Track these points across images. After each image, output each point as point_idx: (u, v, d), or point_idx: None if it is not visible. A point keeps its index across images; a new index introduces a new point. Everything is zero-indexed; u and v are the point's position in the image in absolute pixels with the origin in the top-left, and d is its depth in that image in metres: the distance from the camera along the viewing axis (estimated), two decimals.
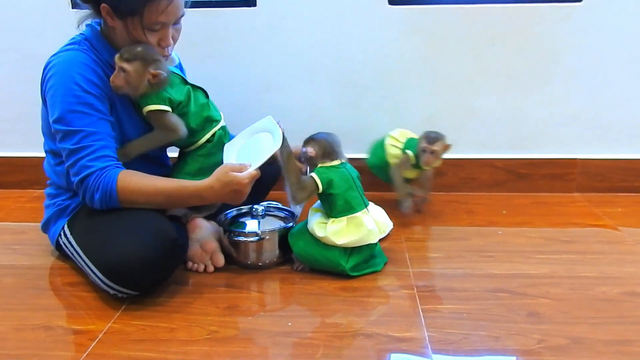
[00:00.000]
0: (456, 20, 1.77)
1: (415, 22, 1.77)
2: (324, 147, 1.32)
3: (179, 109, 1.32)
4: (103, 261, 1.16)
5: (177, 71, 1.38)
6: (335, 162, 1.32)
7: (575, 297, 1.18)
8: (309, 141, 1.35)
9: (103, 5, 1.23)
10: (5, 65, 1.88)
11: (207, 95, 1.42)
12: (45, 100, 1.27)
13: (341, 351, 1.01)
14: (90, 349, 1.02)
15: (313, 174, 1.30)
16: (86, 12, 1.31)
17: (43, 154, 1.42)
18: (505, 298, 1.18)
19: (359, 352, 1.00)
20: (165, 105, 1.28)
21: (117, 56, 1.24)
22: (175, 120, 1.31)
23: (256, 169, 1.22)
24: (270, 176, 1.67)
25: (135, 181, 1.21)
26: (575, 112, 1.84)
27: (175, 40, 1.32)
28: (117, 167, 1.22)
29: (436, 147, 1.57)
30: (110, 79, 1.25)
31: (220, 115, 1.43)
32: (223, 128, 1.42)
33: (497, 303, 1.16)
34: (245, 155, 1.30)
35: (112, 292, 1.16)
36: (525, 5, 1.75)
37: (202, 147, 1.38)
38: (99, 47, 1.29)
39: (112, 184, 1.19)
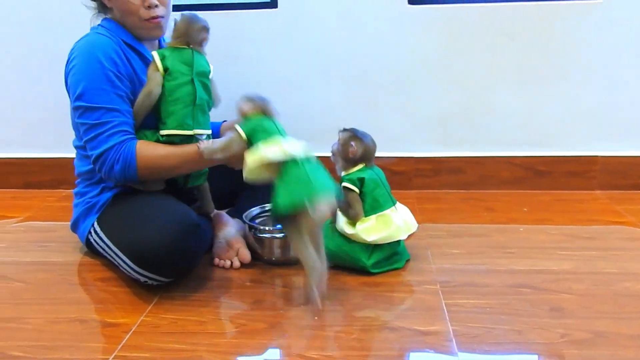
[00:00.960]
0: (475, 18, 1.78)
1: (434, 21, 1.79)
2: (366, 151, 1.33)
3: (166, 78, 1.29)
4: (132, 249, 1.20)
5: (202, 65, 1.35)
6: (361, 166, 1.34)
7: (597, 293, 1.19)
8: (353, 138, 1.32)
9: None
10: (35, 68, 1.94)
11: (208, 107, 1.37)
12: (67, 82, 1.32)
13: (367, 344, 1.03)
14: (124, 341, 1.06)
15: (345, 184, 1.31)
16: (96, 12, 1.42)
17: (69, 155, 1.47)
18: (527, 293, 1.20)
19: (385, 345, 1.03)
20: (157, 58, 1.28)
21: None
22: (154, 76, 1.28)
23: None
24: None
25: (152, 148, 1.27)
26: (595, 108, 1.84)
27: (164, 4, 1.35)
28: (134, 139, 1.28)
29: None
30: None
31: (208, 132, 1.35)
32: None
33: (520, 298, 1.18)
34: None
35: (142, 279, 1.20)
36: (544, 3, 1.76)
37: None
38: (115, 30, 1.36)
39: (132, 153, 1.25)
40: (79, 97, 1.27)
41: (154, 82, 1.28)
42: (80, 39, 1.34)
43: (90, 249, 1.43)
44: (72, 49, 1.33)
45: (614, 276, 1.27)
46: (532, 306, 1.14)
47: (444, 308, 1.15)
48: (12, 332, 1.10)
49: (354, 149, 1.32)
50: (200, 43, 1.35)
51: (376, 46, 1.83)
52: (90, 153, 1.28)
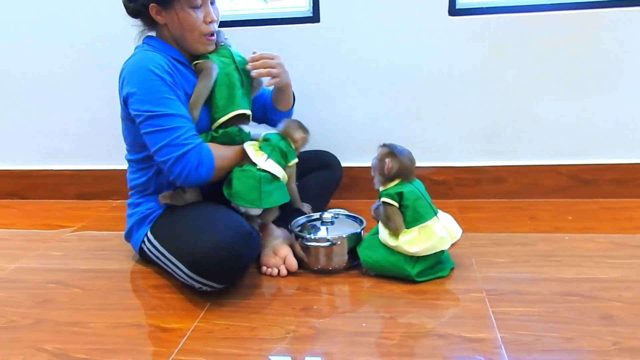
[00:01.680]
0: (517, 28, 1.79)
1: (476, 31, 1.80)
2: (402, 168, 1.35)
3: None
4: (187, 256, 1.25)
5: (239, 56, 1.48)
6: (398, 181, 1.35)
7: None
8: (390, 154, 1.35)
9: (151, 5, 1.37)
10: (92, 84, 2.02)
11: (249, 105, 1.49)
12: (125, 101, 1.37)
13: (415, 350, 1.05)
14: (180, 345, 1.10)
15: (383, 199, 1.34)
16: (142, 29, 1.48)
17: (120, 167, 1.54)
18: (576, 301, 1.19)
19: (433, 352, 1.04)
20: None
21: None
22: (208, 64, 1.41)
23: None
24: (331, 184, 1.74)
25: (215, 148, 1.37)
26: None
27: (216, 21, 1.43)
28: (202, 141, 1.35)
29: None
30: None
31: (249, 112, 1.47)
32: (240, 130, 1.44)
33: (568, 306, 1.17)
34: None
35: (197, 285, 1.25)
36: (587, 11, 1.75)
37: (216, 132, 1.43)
38: (161, 47, 1.42)
39: (210, 155, 1.33)
40: (145, 109, 1.31)
41: (211, 69, 1.40)
42: (128, 59, 1.39)
43: (144, 257, 1.49)
44: (123, 70, 1.38)
45: None
46: (581, 314, 1.14)
47: (492, 316, 1.15)
48: (75, 336, 1.16)
49: (389, 165, 1.34)
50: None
51: (418, 58, 1.85)
52: (165, 158, 1.31)
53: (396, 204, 1.33)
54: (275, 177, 1.38)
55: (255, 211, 1.38)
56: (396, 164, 1.35)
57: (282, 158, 1.42)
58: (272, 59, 1.47)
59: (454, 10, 1.79)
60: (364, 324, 1.15)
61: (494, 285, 1.29)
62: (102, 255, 1.60)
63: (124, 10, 1.43)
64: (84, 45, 2.00)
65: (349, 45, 1.87)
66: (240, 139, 1.43)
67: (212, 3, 1.43)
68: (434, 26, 1.81)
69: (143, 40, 1.47)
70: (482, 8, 1.79)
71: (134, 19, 1.45)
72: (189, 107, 1.38)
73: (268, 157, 1.39)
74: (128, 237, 1.53)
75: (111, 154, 2.07)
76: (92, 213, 1.98)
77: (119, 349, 1.11)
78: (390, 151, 1.36)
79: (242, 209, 1.38)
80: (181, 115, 1.33)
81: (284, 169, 1.42)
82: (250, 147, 1.40)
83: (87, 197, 2.13)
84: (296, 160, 1.45)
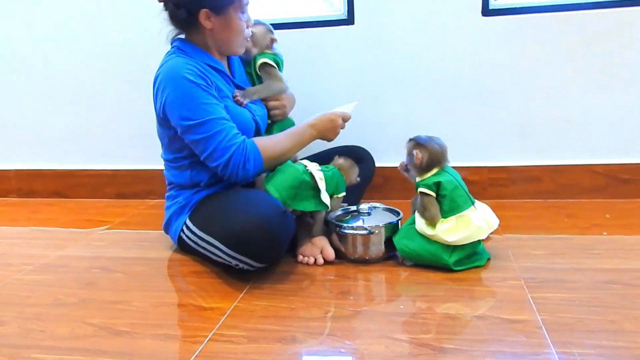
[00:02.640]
0: (549, 27, 1.80)
1: (509, 31, 1.82)
2: (433, 156, 1.36)
3: None
4: (227, 235, 1.27)
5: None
6: (435, 170, 1.37)
7: None
8: (416, 146, 1.37)
9: (202, 10, 1.42)
10: (130, 88, 2.10)
11: None
12: (164, 110, 1.42)
13: (455, 329, 1.05)
14: (221, 321, 1.13)
15: (421, 189, 1.35)
16: (170, 31, 1.52)
17: (158, 167, 1.64)
18: (618, 289, 1.18)
19: (473, 330, 1.04)
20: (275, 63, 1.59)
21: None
22: (281, 75, 1.60)
23: (347, 113, 1.53)
24: (364, 177, 1.76)
25: (266, 140, 1.45)
26: None
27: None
28: (247, 137, 1.40)
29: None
30: (248, 50, 1.58)
31: None
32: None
33: (610, 292, 1.16)
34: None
35: (234, 263, 1.28)
36: (619, 9, 1.75)
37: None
38: (191, 51, 1.47)
39: (255, 148, 1.38)
40: (185, 119, 1.36)
41: (281, 78, 1.61)
42: (162, 66, 1.44)
43: (182, 246, 1.52)
44: (157, 77, 1.43)
45: None
46: (624, 299, 1.13)
47: (531, 301, 1.15)
48: (119, 312, 1.20)
49: (419, 156, 1.36)
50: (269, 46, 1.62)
51: (453, 57, 1.87)
52: (215, 164, 1.37)
53: (433, 194, 1.34)
54: (315, 187, 1.41)
55: None
56: (425, 153, 1.36)
57: (334, 187, 1.46)
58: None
59: (487, 11, 1.82)
60: (401, 306, 1.16)
61: (532, 274, 1.28)
62: (142, 246, 1.64)
63: (165, 15, 1.48)
64: (122, 51, 2.09)
65: (383, 46, 1.91)
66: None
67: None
68: (468, 26, 1.84)
69: (172, 43, 1.51)
70: (515, 8, 1.81)
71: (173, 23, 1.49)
72: (248, 93, 1.52)
73: (323, 177, 1.43)
74: (167, 227, 1.57)
75: (149, 155, 2.13)
76: (130, 210, 2.04)
77: (162, 324, 1.13)
78: (417, 142, 1.38)
79: None
80: (220, 118, 1.37)
81: (331, 199, 1.45)
82: (311, 164, 1.45)
83: (126, 197, 2.19)
84: (344, 194, 1.50)
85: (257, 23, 1.60)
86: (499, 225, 1.42)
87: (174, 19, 1.46)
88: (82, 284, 1.36)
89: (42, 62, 2.16)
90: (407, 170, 1.43)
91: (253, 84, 1.63)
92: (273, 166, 1.43)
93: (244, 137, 1.39)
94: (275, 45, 1.62)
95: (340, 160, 1.52)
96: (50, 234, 1.81)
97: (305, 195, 1.41)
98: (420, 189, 1.35)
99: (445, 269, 1.32)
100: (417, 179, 1.39)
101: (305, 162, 1.46)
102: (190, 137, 1.37)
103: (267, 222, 1.24)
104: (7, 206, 2.18)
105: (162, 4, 1.46)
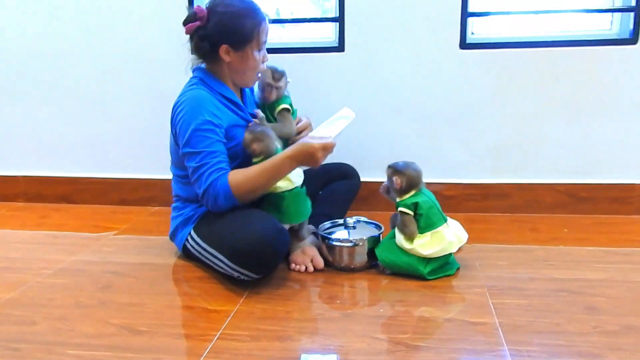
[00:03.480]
0: (521, 61, 2.01)
1: (485, 63, 2.03)
2: (411, 179, 1.55)
3: None
4: (229, 249, 1.45)
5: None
6: (413, 192, 1.55)
7: (629, 296, 1.37)
8: (395, 172, 1.56)
9: (223, 46, 1.60)
10: (136, 100, 2.27)
11: None
12: (177, 133, 1.59)
13: (427, 329, 1.25)
14: (227, 321, 1.31)
15: (400, 208, 1.54)
16: (192, 58, 1.69)
17: (158, 176, 1.90)
18: (565, 296, 1.39)
19: (442, 331, 1.24)
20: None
21: (269, 79, 1.70)
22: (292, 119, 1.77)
23: (331, 141, 1.50)
24: (351, 192, 1.95)
25: (241, 173, 1.51)
26: (635, 140, 2.01)
27: (267, 60, 1.70)
28: (227, 172, 1.52)
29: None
30: (265, 95, 1.73)
31: None
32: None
33: (558, 299, 1.37)
34: (323, 132, 1.59)
35: (236, 274, 1.46)
36: (584, 48, 1.97)
37: None
38: (212, 83, 1.64)
39: (226, 185, 1.48)
40: (185, 144, 1.54)
41: (293, 124, 1.76)
42: (185, 92, 1.61)
43: (187, 254, 1.69)
44: (178, 104, 1.59)
45: None
46: (569, 305, 1.33)
47: (491, 306, 1.35)
48: (135, 313, 1.37)
49: (398, 182, 1.55)
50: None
51: (433, 85, 2.07)
52: (197, 192, 1.54)
53: (412, 213, 1.53)
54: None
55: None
56: (404, 178, 1.55)
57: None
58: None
59: (464, 44, 2.02)
60: (381, 310, 1.35)
61: (494, 282, 1.48)
62: (148, 252, 1.80)
63: (184, 41, 1.65)
64: (131, 64, 2.25)
65: (371, 72, 2.10)
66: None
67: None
68: (447, 58, 2.04)
69: (195, 72, 1.68)
70: (490, 43, 2.02)
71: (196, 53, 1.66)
72: (263, 123, 1.68)
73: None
74: (173, 236, 1.74)
75: (151, 164, 2.30)
76: (134, 217, 2.20)
77: (175, 324, 1.31)
78: (395, 169, 1.57)
79: None
80: (212, 152, 1.51)
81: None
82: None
83: (129, 203, 2.36)
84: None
85: (274, 69, 1.72)
86: (467, 239, 1.62)
87: (198, 50, 1.63)
88: (99, 287, 1.53)
89: (54, 73, 2.31)
90: (387, 192, 1.62)
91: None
92: (250, 199, 1.53)
93: (221, 173, 1.49)
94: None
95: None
96: (62, 239, 1.97)
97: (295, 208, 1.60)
98: (400, 209, 1.54)
99: (420, 277, 1.51)
100: (397, 199, 1.58)
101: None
102: (186, 162, 1.55)
103: (266, 240, 1.42)
104: (17, 210, 2.33)
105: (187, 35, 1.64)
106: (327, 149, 1.50)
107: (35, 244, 1.92)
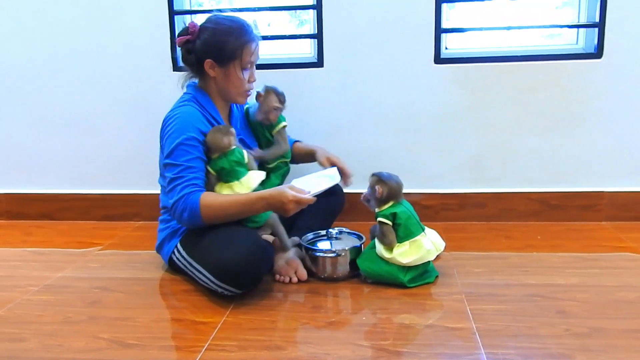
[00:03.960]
0: (494, 75, 2.09)
1: (459, 77, 2.11)
2: (392, 190, 1.60)
3: None
4: (214, 266, 1.49)
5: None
6: (391, 203, 1.61)
7: (598, 300, 1.44)
8: (378, 181, 1.62)
9: (207, 60, 1.66)
10: (120, 117, 2.30)
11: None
12: (162, 143, 1.64)
13: (407, 335, 1.30)
14: (214, 333, 1.35)
15: (379, 219, 1.59)
16: (185, 74, 1.76)
17: (143, 191, 2.00)
18: (538, 300, 1.46)
19: (422, 337, 1.29)
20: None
21: (276, 102, 1.80)
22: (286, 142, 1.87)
23: (308, 196, 1.51)
24: (335, 208, 2.00)
25: (214, 198, 1.55)
26: (603, 150, 2.11)
27: (255, 81, 1.75)
28: (201, 191, 1.56)
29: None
30: (271, 118, 1.81)
31: None
32: None
33: (532, 304, 1.44)
34: (305, 185, 1.60)
35: (220, 290, 1.49)
36: (553, 62, 2.06)
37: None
38: (203, 101, 1.70)
39: (196, 203, 1.52)
40: (167, 156, 1.59)
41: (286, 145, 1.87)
42: (176, 107, 1.66)
43: (172, 267, 1.73)
44: (169, 119, 1.64)
45: (613, 288, 1.52)
46: (542, 310, 1.40)
47: (469, 312, 1.41)
48: (126, 327, 1.40)
49: (380, 190, 1.61)
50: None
51: (410, 99, 2.14)
52: (169, 201, 1.59)
53: (390, 223, 1.59)
54: None
55: None
56: (385, 188, 1.61)
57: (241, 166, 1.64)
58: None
59: (439, 59, 2.10)
60: (364, 318, 1.41)
61: (472, 289, 1.54)
62: (135, 267, 1.83)
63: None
64: (114, 82, 2.28)
65: (350, 86, 2.16)
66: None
67: (254, 65, 1.74)
68: (423, 72, 2.12)
69: (188, 88, 1.74)
70: (463, 58, 2.10)
71: (187, 67, 1.73)
72: (258, 154, 1.79)
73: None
74: (159, 249, 1.77)
75: (134, 180, 2.33)
76: (118, 232, 2.22)
77: (165, 337, 1.35)
78: (379, 179, 1.63)
79: None
80: (190, 167, 1.57)
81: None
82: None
83: (113, 219, 2.38)
84: (245, 153, 1.67)
85: (278, 92, 1.81)
86: (445, 247, 1.68)
87: (185, 61, 1.71)
88: (87, 303, 1.56)
89: (35, 89, 2.32)
90: (368, 200, 1.68)
91: (257, 137, 1.89)
92: (213, 223, 1.55)
93: (195, 190, 1.53)
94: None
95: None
96: (47, 256, 1.99)
97: None
98: (380, 219, 1.60)
99: (401, 286, 1.57)
100: (377, 210, 1.64)
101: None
102: (165, 172, 1.60)
103: (250, 258, 1.47)
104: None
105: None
106: (301, 203, 1.51)
107: (19, 262, 1.93)
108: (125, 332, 1.37)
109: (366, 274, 1.62)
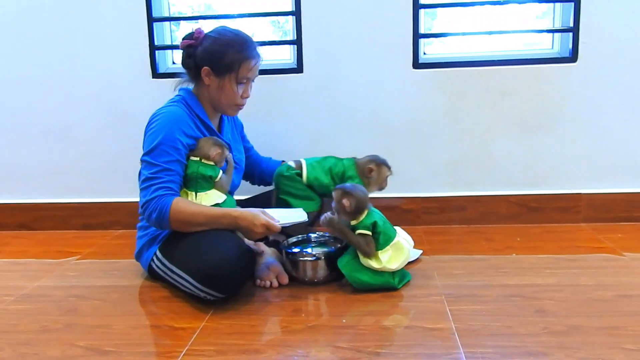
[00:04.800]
0: (472, 79, 2.12)
1: (437, 81, 2.13)
2: (360, 201, 1.58)
3: None
4: (197, 270, 1.48)
5: None
6: (366, 212, 1.59)
7: (575, 299, 1.46)
8: (344, 194, 1.58)
9: (205, 67, 1.66)
10: (99, 126, 2.28)
11: None
12: (144, 140, 1.63)
13: (387, 337, 1.30)
14: (193, 338, 1.33)
15: (359, 230, 1.57)
16: (180, 79, 1.76)
17: (122, 199, 1.97)
18: (517, 301, 1.46)
19: (401, 338, 1.29)
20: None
21: (388, 172, 1.83)
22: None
23: (276, 225, 1.52)
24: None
25: (185, 205, 1.54)
26: (580, 153, 2.14)
27: (249, 97, 1.74)
28: (174, 195, 1.55)
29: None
30: (384, 186, 1.84)
31: None
32: None
33: (511, 304, 1.44)
34: (274, 214, 1.57)
35: (202, 295, 1.48)
36: (529, 66, 2.09)
37: None
38: (193, 104, 1.70)
39: (167, 207, 1.51)
40: (147, 153, 1.58)
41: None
42: (165, 107, 1.66)
43: (152, 274, 1.71)
44: (155, 117, 1.64)
45: (590, 287, 1.53)
46: (520, 309, 1.41)
47: (448, 312, 1.41)
48: (103, 335, 1.38)
49: (348, 203, 1.58)
50: None
51: (389, 104, 2.16)
52: (140, 201, 1.58)
53: (370, 233, 1.57)
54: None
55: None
56: (353, 200, 1.58)
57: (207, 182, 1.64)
58: None
59: (417, 64, 2.12)
60: (344, 320, 1.40)
61: (451, 290, 1.55)
62: (113, 275, 1.81)
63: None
64: (92, 90, 2.26)
65: (329, 92, 2.17)
66: None
67: (252, 80, 1.73)
68: (401, 78, 2.13)
69: (180, 91, 1.74)
70: (441, 62, 2.12)
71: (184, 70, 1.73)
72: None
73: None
74: (138, 256, 1.76)
75: (114, 188, 2.31)
76: (98, 241, 2.20)
77: (142, 343, 1.33)
78: (344, 191, 1.59)
79: None
80: (167, 169, 1.56)
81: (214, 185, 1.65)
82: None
83: (92, 228, 2.35)
84: (220, 173, 1.65)
85: (382, 163, 1.83)
86: (420, 249, 1.68)
87: (184, 64, 1.72)
88: (63, 311, 1.53)
89: (11, 98, 2.30)
90: (330, 220, 1.62)
91: None
92: (180, 230, 1.55)
93: (168, 193, 1.53)
94: None
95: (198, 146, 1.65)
96: (24, 265, 1.96)
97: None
98: (359, 231, 1.57)
99: (389, 289, 1.57)
100: (352, 223, 1.60)
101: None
102: (141, 169, 1.60)
103: (233, 261, 1.46)
104: None
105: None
106: (269, 228, 1.52)
107: None
108: (101, 340, 1.35)
109: (357, 286, 1.57)
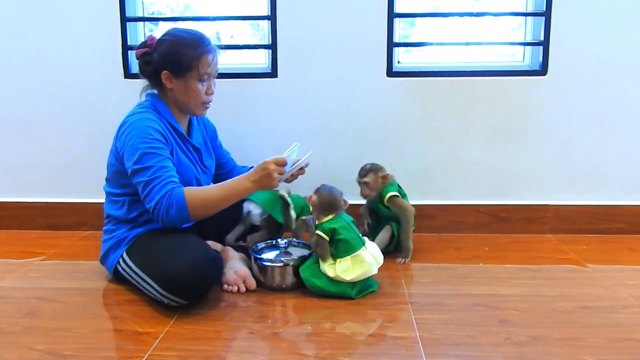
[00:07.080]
0: (443, 89, 2.14)
1: (409, 90, 2.15)
2: (324, 201, 1.62)
3: None
4: (161, 276, 1.46)
5: None
6: (331, 216, 1.62)
7: (538, 309, 1.48)
8: (316, 190, 1.65)
9: (164, 72, 1.64)
10: (65, 123, 2.24)
11: None
12: (118, 151, 1.61)
13: (352, 345, 1.30)
14: (156, 343, 1.31)
15: (317, 232, 1.59)
16: (145, 84, 1.74)
17: (90, 200, 1.91)
18: (481, 310, 1.48)
19: (365, 346, 1.29)
20: None
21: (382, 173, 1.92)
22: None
23: (282, 157, 1.56)
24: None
25: (197, 190, 1.57)
26: (548, 164, 2.18)
27: (213, 93, 1.73)
28: (181, 186, 1.55)
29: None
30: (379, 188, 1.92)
31: None
32: None
33: (475, 314, 1.46)
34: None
35: (166, 301, 1.46)
36: (500, 78, 2.13)
37: None
38: (161, 109, 1.68)
39: (181, 196, 1.51)
40: (136, 162, 1.55)
41: None
42: (131, 115, 1.63)
43: (117, 277, 1.68)
44: (125, 124, 1.61)
45: (552, 298, 1.56)
46: (484, 319, 1.42)
47: (414, 321, 1.42)
48: (62, 339, 1.35)
49: (314, 198, 1.63)
50: None
51: (362, 111, 2.17)
52: (148, 206, 1.54)
53: (327, 238, 1.58)
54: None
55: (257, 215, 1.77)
56: (318, 197, 1.63)
57: (300, 210, 1.79)
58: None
59: (391, 72, 2.13)
60: (309, 328, 1.40)
61: (417, 299, 1.56)
62: (77, 277, 1.77)
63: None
64: (60, 87, 2.22)
65: (302, 97, 2.17)
66: None
67: (214, 76, 1.72)
68: (375, 85, 2.15)
69: (147, 96, 1.72)
70: (414, 72, 2.15)
71: (144, 78, 1.71)
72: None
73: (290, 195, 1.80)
74: (103, 259, 1.72)
75: (81, 188, 2.27)
76: (63, 242, 2.15)
77: (103, 347, 1.31)
78: (318, 188, 1.66)
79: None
80: (162, 167, 1.55)
81: (297, 219, 1.79)
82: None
83: (58, 228, 2.30)
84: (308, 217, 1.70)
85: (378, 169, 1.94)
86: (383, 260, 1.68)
87: (143, 73, 1.70)
88: (23, 313, 1.49)
89: None
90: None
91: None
92: (202, 216, 1.56)
93: (175, 186, 1.52)
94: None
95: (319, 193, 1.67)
96: None
97: (279, 210, 1.74)
98: (318, 232, 1.60)
99: (348, 297, 1.57)
100: (317, 222, 1.63)
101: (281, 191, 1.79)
102: (135, 179, 1.56)
103: (199, 268, 1.45)
104: None
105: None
106: (279, 163, 1.55)
107: None
108: (61, 343, 1.32)
109: (313, 290, 1.59)
